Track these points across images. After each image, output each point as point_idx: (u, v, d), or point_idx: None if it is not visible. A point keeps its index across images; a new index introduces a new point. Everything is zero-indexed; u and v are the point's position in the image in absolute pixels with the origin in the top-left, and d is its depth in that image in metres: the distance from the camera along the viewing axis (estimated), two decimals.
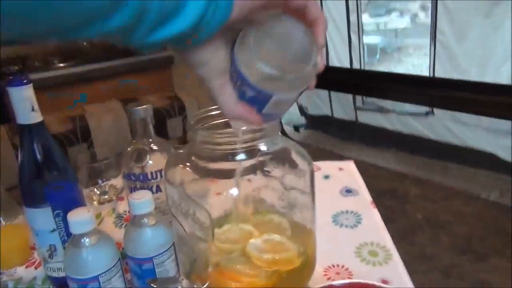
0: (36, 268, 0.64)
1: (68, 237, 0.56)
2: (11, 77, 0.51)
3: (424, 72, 3.31)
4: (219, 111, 0.50)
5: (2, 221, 0.63)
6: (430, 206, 0.72)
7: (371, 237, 0.64)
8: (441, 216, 0.68)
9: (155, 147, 0.60)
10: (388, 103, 3.33)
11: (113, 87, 1.54)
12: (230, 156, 0.43)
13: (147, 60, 1.75)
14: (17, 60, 1.62)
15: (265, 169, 0.47)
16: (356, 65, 3.44)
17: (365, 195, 0.77)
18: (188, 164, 0.47)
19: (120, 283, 0.53)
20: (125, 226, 0.74)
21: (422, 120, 3.40)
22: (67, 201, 0.55)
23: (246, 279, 0.46)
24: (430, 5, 3.32)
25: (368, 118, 3.64)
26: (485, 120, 2.93)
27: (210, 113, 0.48)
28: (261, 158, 0.45)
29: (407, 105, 3.19)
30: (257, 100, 0.32)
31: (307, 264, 0.50)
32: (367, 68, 3.62)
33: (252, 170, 0.45)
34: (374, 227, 0.67)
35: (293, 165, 0.47)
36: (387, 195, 0.76)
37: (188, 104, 1.54)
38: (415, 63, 4.58)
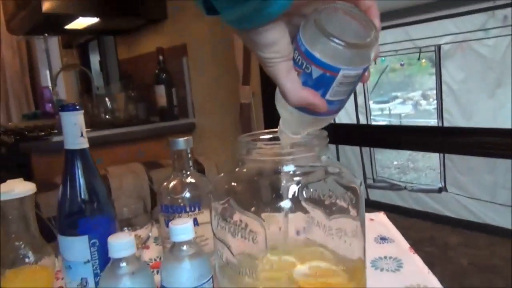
0: None
1: (101, 271, 0.53)
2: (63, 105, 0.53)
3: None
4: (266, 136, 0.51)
5: (31, 259, 0.61)
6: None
7: (417, 280, 0.60)
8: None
9: (192, 180, 0.60)
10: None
11: (135, 152, 1.58)
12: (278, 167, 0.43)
13: (167, 127, 1.82)
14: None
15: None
16: None
17: (402, 241, 0.74)
18: (235, 184, 0.47)
19: None
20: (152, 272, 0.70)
21: (435, 197, 3.36)
22: (104, 233, 0.53)
23: None
24: (429, 93, 3.49)
25: (379, 195, 3.61)
26: (501, 195, 2.89)
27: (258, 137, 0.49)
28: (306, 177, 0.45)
29: (420, 180, 3.18)
30: (323, 80, 0.33)
31: None
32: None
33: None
34: (418, 270, 0.64)
35: (343, 184, 0.46)
36: (425, 242, 0.73)
37: (207, 167, 1.55)
38: None
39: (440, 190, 3.36)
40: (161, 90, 1.85)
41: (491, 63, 2.98)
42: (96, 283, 0.53)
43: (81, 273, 0.53)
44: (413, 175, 5.12)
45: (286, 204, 0.43)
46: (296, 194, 0.44)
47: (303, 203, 0.44)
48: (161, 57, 1.84)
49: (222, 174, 0.51)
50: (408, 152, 5.07)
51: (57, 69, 2.60)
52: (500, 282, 0.49)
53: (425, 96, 6.08)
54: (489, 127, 2.28)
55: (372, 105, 5.02)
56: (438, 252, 0.67)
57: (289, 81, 0.35)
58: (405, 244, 0.73)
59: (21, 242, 0.60)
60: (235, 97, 1.51)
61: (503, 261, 0.63)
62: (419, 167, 5.13)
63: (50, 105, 2.75)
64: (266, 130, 0.50)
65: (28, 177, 1.35)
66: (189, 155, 0.59)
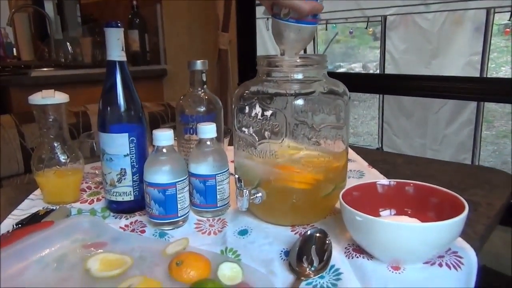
0: (90, 203, 0.71)
1: (138, 164, 0.65)
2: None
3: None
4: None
5: (64, 160, 0.70)
6: None
7: None
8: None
9: (207, 97, 0.73)
10: None
11: None
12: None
13: (141, 71, 1.87)
14: None
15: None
16: None
17: (362, 161, 0.93)
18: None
19: (187, 196, 0.63)
20: None
21: None
22: (139, 133, 0.65)
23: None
24: (369, 64, 3.76)
25: None
26: (429, 156, 3.30)
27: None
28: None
29: (359, 144, 3.47)
30: None
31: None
32: None
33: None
34: (376, 178, 0.82)
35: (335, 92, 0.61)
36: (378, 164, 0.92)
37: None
38: None
39: (377, 150, 3.71)
40: (134, 35, 1.88)
41: (429, 35, 3.30)
42: (133, 173, 0.65)
43: (121, 164, 0.64)
44: (353, 138, 5.47)
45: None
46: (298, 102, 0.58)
47: (302, 110, 0.58)
48: (134, 2, 1.86)
49: (239, 87, 0.64)
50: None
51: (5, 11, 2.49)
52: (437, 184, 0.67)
53: (365, 67, 6.47)
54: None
55: None
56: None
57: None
58: (364, 162, 0.92)
59: (56, 144, 0.70)
60: (210, 44, 1.59)
61: (438, 172, 0.84)
62: (358, 132, 5.55)
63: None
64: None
65: (6, 110, 1.38)
66: (205, 75, 0.71)
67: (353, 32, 4.77)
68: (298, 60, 0.59)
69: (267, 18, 3.90)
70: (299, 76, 0.59)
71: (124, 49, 0.64)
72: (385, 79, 2.03)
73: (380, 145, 3.81)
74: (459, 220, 0.47)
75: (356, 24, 4.42)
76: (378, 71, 4.27)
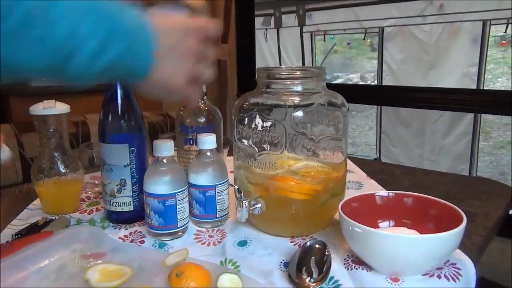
0: (89, 214, 0.71)
1: (138, 174, 0.65)
2: None
3: None
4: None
5: (64, 170, 0.71)
6: None
7: None
8: None
9: (207, 108, 0.73)
10: None
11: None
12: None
13: None
14: None
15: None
16: None
17: (360, 172, 0.93)
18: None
19: (187, 206, 0.63)
20: None
21: None
22: (139, 144, 0.65)
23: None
24: (367, 75, 3.79)
25: None
26: (426, 166, 3.31)
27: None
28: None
29: (357, 154, 3.49)
30: None
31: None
32: None
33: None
34: (374, 188, 0.83)
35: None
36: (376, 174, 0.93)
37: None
38: None
39: (375, 160, 3.72)
40: None
41: (426, 47, 3.33)
42: (133, 184, 0.65)
43: (121, 174, 0.64)
44: (351, 149, 5.48)
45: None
46: (298, 113, 0.59)
47: (301, 121, 0.59)
48: None
49: (239, 98, 0.65)
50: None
51: None
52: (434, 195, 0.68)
53: (363, 78, 6.51)
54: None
55: None
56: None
57: None
58: (362, 173, 0.93)
59: (56, 154, 0.70)
60: None
61: (436, 183, 0.84)
62: (356, 142, 5.56)
63: None
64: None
65: (6, 120, 1.38)
66: (205, 86, 0.72)
67: (350, 43, 4.81)
68: (297, 73, 0.60)
69: (266, 29, 3.93)
70: (299, 88, 0.60)
71: None
72: (382, 90, 2.05)
73: (378, 156, 3.82)
74: (457, 232, 0.48)
75: (353, 35, 4.46)
76: (376, 82, 4.30)
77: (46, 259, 0.53)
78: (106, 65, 0.37)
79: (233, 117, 0.63)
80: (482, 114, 3.15)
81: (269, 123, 0.58)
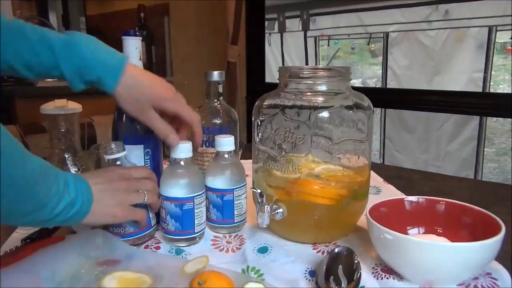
0: None
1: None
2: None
3: None
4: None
5: (75, 170, 0.68)
6: None
7: None
8: None
9: (223, 109, 0.71)
10: None
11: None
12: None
13: None
14: None
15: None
16: None
17: (376, 177, 0.91)
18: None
19: (204, 211, 0.60)
20: None
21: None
22: (154, 146, 0.63)
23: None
24: (368, 81, 3.77)
25: None
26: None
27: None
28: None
29: None
30: None
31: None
32: None
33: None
34: (393, 194, 0.80)
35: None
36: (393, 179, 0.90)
37: None
38: None
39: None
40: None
41: (431, 52, 3.31)
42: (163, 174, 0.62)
43: None
44: None
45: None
46: (323, 114, 0.56)
47: (326, 122, 0.57)
48: (142, 14, 1.86)
49: (258, 99, 0.62)
50: None
51: None
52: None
53: (364, 83, 6.50)
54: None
55: None
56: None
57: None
58: (379, 178, 0.90)
59: (67, 155, 0.67)
60: (218, 57, 1.58)
61: (456, 188, 0.81)
62: None
63: None
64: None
65: (12, 121, 1.35)
66: (221, 86, 0.70)
67: (355, 48, 4.80)
68: (321, 72, 0.57)
69: (269, 34, 3.91)
70: (323, 88, 0.57)
71: (141, 59, 0.62)
72: (387, 93, 2.02)
73: (382, 161, 3.79)
74: (497, 241, 0.45)
75: (357, 40, 4.44)
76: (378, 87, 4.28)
77: (58, 265, 0.50)
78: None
79: (253, 119, 0.61)
80: (487, 121, 3.13)
81: (292, 124, 0.55)
